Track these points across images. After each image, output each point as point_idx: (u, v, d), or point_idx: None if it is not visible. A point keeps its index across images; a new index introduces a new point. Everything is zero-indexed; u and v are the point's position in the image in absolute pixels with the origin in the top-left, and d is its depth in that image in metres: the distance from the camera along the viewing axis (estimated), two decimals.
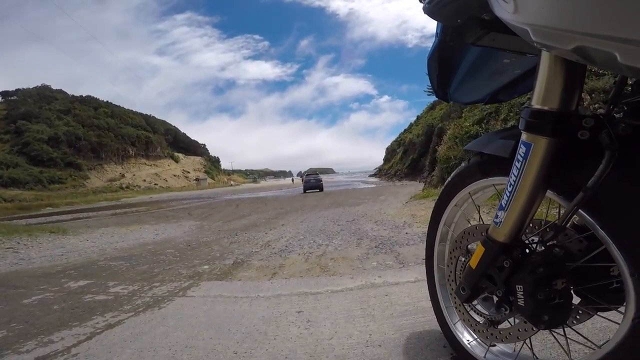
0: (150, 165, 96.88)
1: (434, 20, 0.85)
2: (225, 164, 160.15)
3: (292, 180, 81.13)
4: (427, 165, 32.76)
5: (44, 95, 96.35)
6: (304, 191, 28.05)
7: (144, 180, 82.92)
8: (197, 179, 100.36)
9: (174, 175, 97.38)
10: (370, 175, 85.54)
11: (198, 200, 23.82)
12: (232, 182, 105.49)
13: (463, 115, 14.55)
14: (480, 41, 0.81)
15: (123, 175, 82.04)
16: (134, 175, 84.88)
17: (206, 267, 3.36)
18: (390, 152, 76.45)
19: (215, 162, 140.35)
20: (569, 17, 0.45)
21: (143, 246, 5.15)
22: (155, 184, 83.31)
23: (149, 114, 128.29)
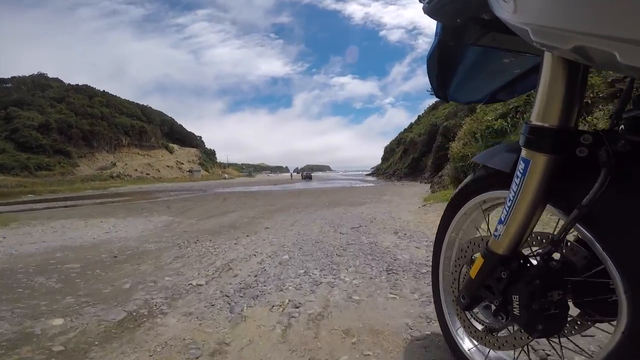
0: (144, 155, 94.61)
1: (434, 20, 0.85)
2: (221, 157, 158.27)
3: (291, 176, 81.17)
4: (429, 165, 31.63)
5: (39, 83, 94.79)
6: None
7: (136, 170, 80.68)
8: (190, 171, 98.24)
9: (167, 166, 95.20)
10: (367, 175, 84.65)
11: (187, 193, 22.54)
12: (225, 175, 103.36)
13: (477, 109, 13.19)
14: (480, 41, 0.83)
15: (114, 164, 79.75)
16: (125, 164, 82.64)
17: (59, 322, 1.78)
18: (388, 151, 75.24)
19: (210, 154, 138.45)
20: (568, 17, 0.46)
21: (54, 252, 3.72)
22: (147, 174, 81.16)
23: (145, 104, 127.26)
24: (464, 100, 1.29)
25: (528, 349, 0.97)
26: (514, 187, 0.78)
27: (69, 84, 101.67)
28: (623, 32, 0.40)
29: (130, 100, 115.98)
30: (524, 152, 0.75)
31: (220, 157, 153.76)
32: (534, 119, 0.72)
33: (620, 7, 0.40)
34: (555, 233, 0.79)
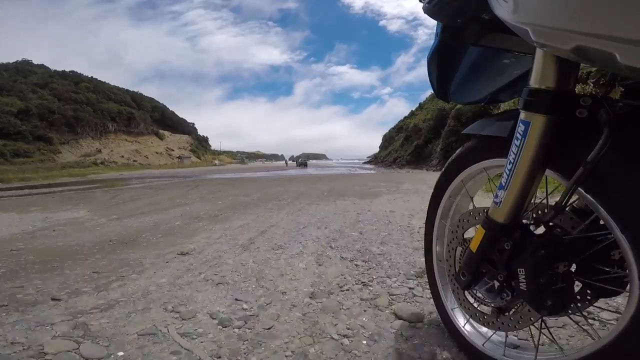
0: (132, 142, 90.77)
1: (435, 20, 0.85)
2: (216, 144, 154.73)
3: (286, 163, 78.13)
4: (438, 151, 28.81)
5: (22, 69, 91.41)
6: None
7: (122, 157, 76.65)
8: (179, 157, 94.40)
9: (156, 153, 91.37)
10: (365, 163, 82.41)
11: (165, 179, 19.31)
12: (216, 162, 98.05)
13: None
14: (481, 41, 0.82)
15: (99, 151, 75.63)
16: (112, 151, 78.58)
17: None
18: (387, 139, 72.65)
19: (203, 141, 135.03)
20: (568, 17, 0.46)
21: None
22: (135, 161, 77.14)
23: (140, 91, 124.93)
24: (464, 101, 1.21)
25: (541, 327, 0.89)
26: (513, 149, 0.74)
27: (54, 70, 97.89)
28: (623, 32, 0.40)
29: (127, 87, 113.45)
30: (523, 115, 0.73)
31: (215, 145, 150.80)
32: (533, 82, 0.70)
33: (620, 8, 0.40)
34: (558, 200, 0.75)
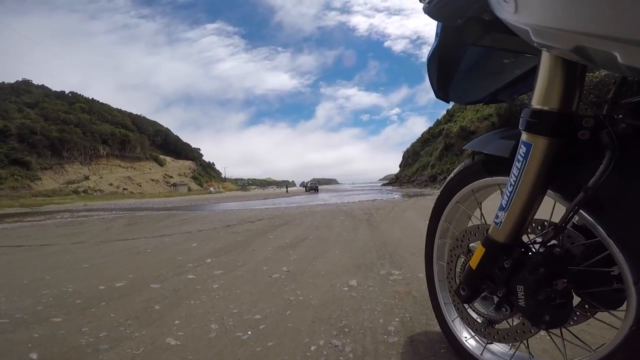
0: (126, 168, 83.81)
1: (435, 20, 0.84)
2: (229, 171, 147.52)
3: (287, 189, 67.02)
4: None
5: (18, 88, 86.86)
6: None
7: (111, 185, 68.93)
8: (174, 185, 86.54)
9: (152, 180, 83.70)
10: (384, 185, 73.30)
11: (121, 213, 12.87)
12: (211, 189, 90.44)
13: None
14: (480, 41, 0.81)
15: (87, 178, 68.24)
16: (101, 178, 71.19)
17: None
18: (411, 155, 63.62)
19: (208, 167, 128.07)
20: (569, 18, 0.46)
21: None
22: (125, 189, 69.38)
23: (139, 114, 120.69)
24: (464, 101, 1.21)
25: (528, 342, 0.93)
26: (514, 171, 0.73)
27: (54, 91, 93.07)
28: (624, 32, 0.40)
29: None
30: (524, 136, 0.71)
31: (229, 172, 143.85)
32: (535, 103, 0.69)
33: (621, 8, 0.40)
34: (556, 219, 0.76)
